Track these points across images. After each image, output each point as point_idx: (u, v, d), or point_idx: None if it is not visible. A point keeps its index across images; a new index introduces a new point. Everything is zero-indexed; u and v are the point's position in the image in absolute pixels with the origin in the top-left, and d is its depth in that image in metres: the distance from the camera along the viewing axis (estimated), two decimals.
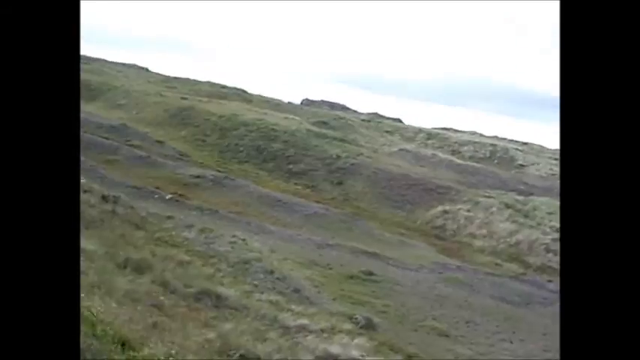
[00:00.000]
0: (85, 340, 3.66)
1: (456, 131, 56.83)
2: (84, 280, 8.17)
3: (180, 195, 24.68)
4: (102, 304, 5.85)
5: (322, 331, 13.67)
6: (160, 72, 72.55)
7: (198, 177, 27.55)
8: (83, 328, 3.85)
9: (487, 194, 31.04)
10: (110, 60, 78.60)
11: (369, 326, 15.46)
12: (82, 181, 22.62)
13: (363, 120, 56.26)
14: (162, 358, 4.18)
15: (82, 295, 5.21)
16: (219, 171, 29.42)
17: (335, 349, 12.53)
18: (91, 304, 5.15)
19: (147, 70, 77.97)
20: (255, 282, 15.64)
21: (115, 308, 6.04)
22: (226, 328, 11.08)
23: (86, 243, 13.77)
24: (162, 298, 10.69)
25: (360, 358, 12.72)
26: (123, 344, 4.02)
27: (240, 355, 7.60)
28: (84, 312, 4.26)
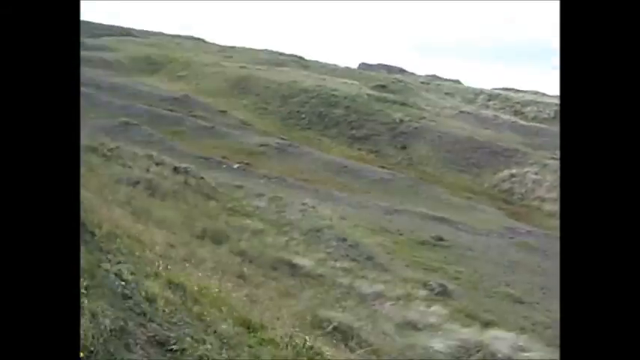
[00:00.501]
0: (218, 324, 3.63)
1: (518, 91, 55.10)
2: (173, 253, 8.32)
3: (246, 164, 24.90)
4: (204, 278, 5.87)
5: (398, 298, 13.60)
6: (216, 42, 73.19)
7: (262, 145, 27.68)
8: (209, 310, 3.83)
9: (554, 156, 29.95)
10: (167, 33, 79.83)
11: (443, 293, 15.26)
12: (153, 153, 23.15)
13: (422, 82, 55.27)
14: (287, 339, 4.14)
15: (173, 268, 5.25)
16: (282, 139, 29.46)
17: (413, 317, 12.47)
18: (194, 279, 5.17)
19: (203, 40, 78.78)
20: (329, 250, 15.62)
21: (215, 283, 6.07)
22: (306, 297, 11.17)
23: (164, 214, 14.12)
24: (245, 269, 10.82)
25: (438, 325, 12.61)
26: (245, 325, 4.00)
27: (334, 327, 7.59)
28: (202, 290, 4.25)
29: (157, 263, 4.65)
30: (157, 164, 21.10)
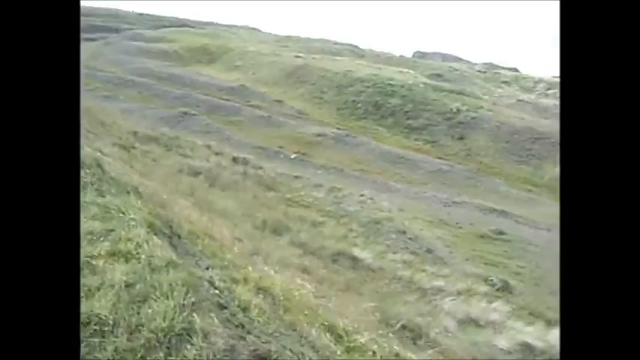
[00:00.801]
0: (307, 331, 3.61)
1: None
2: (242, 248, 8.38)
3: (303, 154, 24.96)
4: (273, 273, 5.88)
5: (459, 293, 13.40)
6: (272, 31, 73.63)
7: (319, 135, 27.67)
8: (297, 317, 3.81)
9: None
10: (222, 23, 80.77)
11: (505, 289, 14.95)
12: (212, 142, 23.52)
13: (478, 71, 54.00)
14: (373, 345, 4.10)
15: (242, 264, 5.26)
16: (338, 128, 29.38)
17: (474, 313, 12.28)
18: (265, 275, 5.18)
19: (259, 30, 79.39)
20: (388, 242, 15.53)
21: (287, 279, 6.09)
22: (369, 291, 11.13)
23: (226, 205, 14.31)
24: (307, 262, 10.86)
25: (501, 322, 12.39)
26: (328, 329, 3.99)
27: (402, 326, 7.52)
28: (286, 294, 4.24)
29: (239, 264, 4.67)
30: (216, 154, 21.43)
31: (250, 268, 4.59)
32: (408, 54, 68.18)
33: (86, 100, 27.46)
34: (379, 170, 24.25)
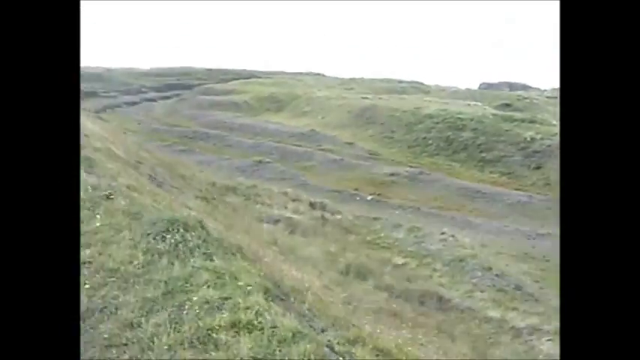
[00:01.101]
0: None
1: None
2: (332, 296, 8.43)
3: (379, 194, 24.93)
4: (367, 325, 5.88)
5: (555, 332, 12.86)
6: (336, 75, 74.87)
7: (392, 175, 27.61)
8: None
9: None
10: (288, 71, 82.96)
11: None
12: (288, 189, 23.91)
13: (548, 97, 52.78)
14: None
15: (348, 320, 5.26)
16: (411, 166, 29.24)
17: None
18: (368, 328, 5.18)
19: (323, 75, 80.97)
20: (474, 280, 15.16)
21: (383, 330, 6.06)
22: (461, 334, 10.87)
23: (309, 252, 14.43)
24: (395, 306, 10.76)
25: None
26: None
27: None
28: (398, 348, 4.24)
29: (346, 321, 4.70)
30: (294, 200, 21.74)
31: (355, 322, 4.60)
32: (474, 86, 67.61)
33: (165, 155, 28.64)
34: (456, 206, 23.86)
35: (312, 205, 21.03)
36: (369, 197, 24.38)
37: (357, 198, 24.48)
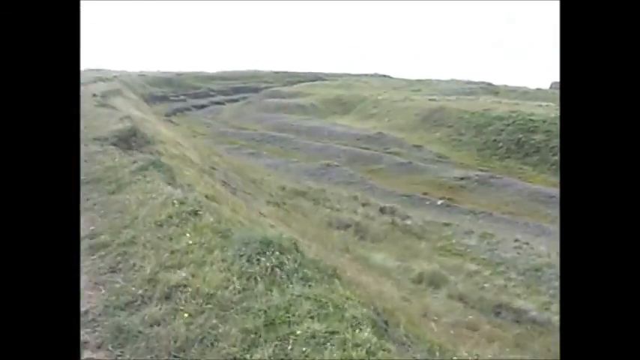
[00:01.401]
0: None
1: None
2: (410, 308, 8.34)
3: (449, 199, 24.55)
4: (443, 336, 5.75)
5: None
6: (402, 76, 74.30)
7: (462, 179, 27.12)
8: None
9: None
10: (354, 73, 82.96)
11: None
12: (357, 194, 23.89)
13: None
14: None
15: (446, 347, 5.12)
16: (481, 170, 28.64)
17: None
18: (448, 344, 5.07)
19: (389, 77, 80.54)
20: (551, 291, 14.69)
21: (461, 343, 5.93)
22: (541, 350, 10.54)
23: (381, 259, 14.36)
24: (471, 317, 10.56)
25: None
26: None
27: None
28: None
29: (443, 347, 4.61)
30: (363, 205, 21.71)
31: (450, 347, 4.51)
32: (545, 86, 65.48)
33: (233, 158, 29.16)
34: (530, 212, 23.17)
35: (381, 209, 20.96)
36: (439, 202, 24.05)
37: (427, 202, 24.19)
